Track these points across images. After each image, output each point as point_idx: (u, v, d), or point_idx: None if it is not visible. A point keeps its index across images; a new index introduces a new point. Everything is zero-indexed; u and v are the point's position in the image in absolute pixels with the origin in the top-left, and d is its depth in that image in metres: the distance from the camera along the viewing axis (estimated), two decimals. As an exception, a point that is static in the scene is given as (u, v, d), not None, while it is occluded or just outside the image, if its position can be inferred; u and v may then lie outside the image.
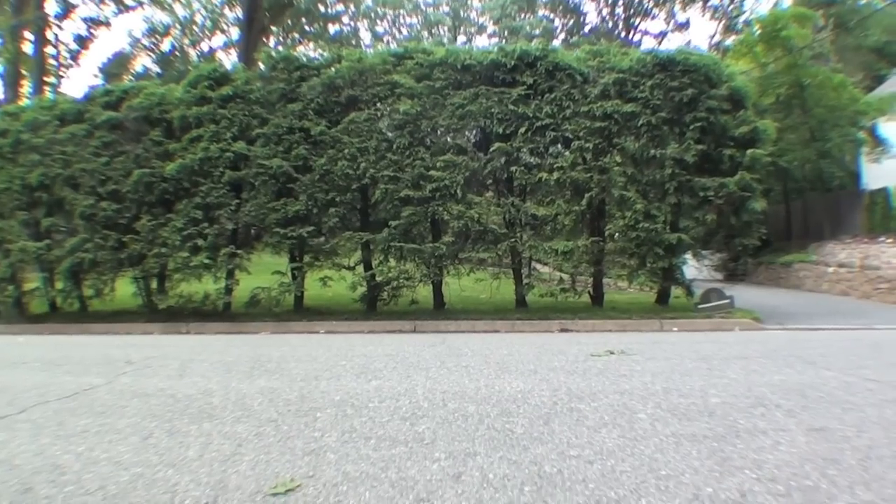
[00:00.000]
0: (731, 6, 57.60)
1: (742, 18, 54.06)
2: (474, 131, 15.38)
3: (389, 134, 14.85)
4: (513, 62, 14.46)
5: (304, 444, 3.18)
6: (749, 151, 14.26)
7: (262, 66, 16.96)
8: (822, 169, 30.69)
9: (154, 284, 15.83)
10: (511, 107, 14.28)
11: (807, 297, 23.20)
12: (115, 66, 52.10)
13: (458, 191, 14.13)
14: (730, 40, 48.02)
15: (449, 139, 15.15)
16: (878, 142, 30.07)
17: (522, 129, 14.31)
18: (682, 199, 14.51)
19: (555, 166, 14.33)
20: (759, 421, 3.60)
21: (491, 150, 14.41)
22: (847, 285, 23.44)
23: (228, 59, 53.28)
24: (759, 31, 30.92)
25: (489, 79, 14.66)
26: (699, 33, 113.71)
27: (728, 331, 12.58)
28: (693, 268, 16.94)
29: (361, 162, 14.35)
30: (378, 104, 15.02)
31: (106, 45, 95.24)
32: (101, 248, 15.00)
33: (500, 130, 14.35)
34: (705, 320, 13.71)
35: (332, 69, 15.19)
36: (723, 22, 58.83)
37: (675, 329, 12.64)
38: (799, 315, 15.59)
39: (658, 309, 14.76)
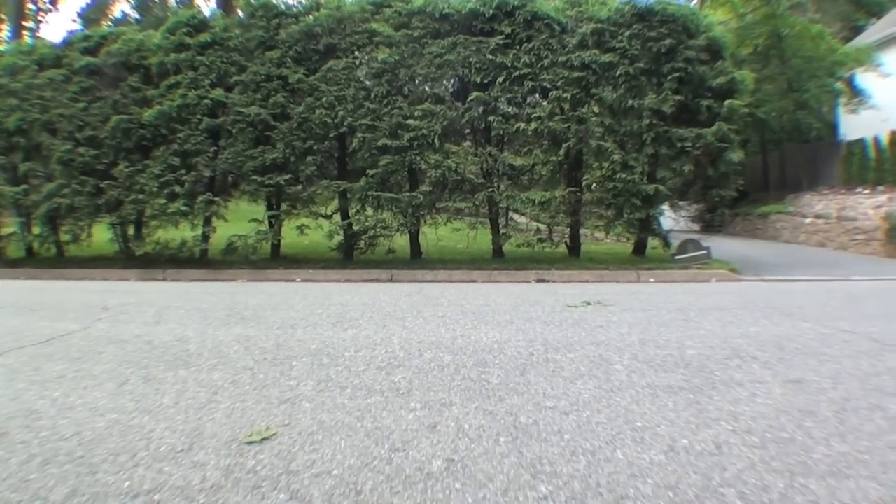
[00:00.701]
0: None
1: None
2: (452, 81, 15.33)
3: (367, 82, 14.77)
4: (491, 11, 14.35)
5: (279, 392, 3.18)
6: (727, 102, 14.24)
7: (240, 13, 16.80)
8: (799, 120, 30.68)
9: (131, 231, 15.80)
10: (489, 56, 14.22)
11: (784, 248, 23.34)
12: (94, 11, 51.30)
13: (436, 140, 14.12)
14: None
15: (427, 88, 15.10)
16: (855, 92, 30.10)
17: (500, 79, 14.27)
18: (660, 150, 14.52)
19: (532, 116, 14.31)
20: (736, 373, 3.63)
21: (469, 99, 14.39)
22: (824, 236, 23.59)
23: (207, 6, 52.57)
24: (736, -21, 30.79)
25: (467, 28, 14.55)
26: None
27: (705, 282, 12.65)
28: (670, 219, 16.96)
29: (339, 110, 14.28)
30: (356, 52, 14.92)
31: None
32: (78, 193, 14.91)
33: (478, 80, 14.32)
34: (682, 271, 13.78)
35: (311, 17, 15.11)
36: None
37: (652, 280, 12.69)
38: (776, 266, 15.69)
39: (635, 260, 14.85)
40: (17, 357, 4.38)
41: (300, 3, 16.27)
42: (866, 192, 22.63)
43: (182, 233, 15.13)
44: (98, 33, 17.05)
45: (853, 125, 29.64)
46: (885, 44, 30.51)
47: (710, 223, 22.34)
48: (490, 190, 14.35)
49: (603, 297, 8.12)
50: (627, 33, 14.37)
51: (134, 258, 15.12)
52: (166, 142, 14.81)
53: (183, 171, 14.53)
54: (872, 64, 28.70)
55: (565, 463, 2.15)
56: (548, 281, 12.46)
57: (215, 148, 14.67)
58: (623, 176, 13.99)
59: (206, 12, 20.52)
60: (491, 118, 14.38)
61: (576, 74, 14.19)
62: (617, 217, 14.55)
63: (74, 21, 51.54)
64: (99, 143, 15.11)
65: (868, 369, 3.77)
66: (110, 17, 52.41)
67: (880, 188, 22.52)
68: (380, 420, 2.67)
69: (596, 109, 14.68)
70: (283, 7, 15.83)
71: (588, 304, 7.28)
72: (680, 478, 2.02)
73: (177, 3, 54.80)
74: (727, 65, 15.05)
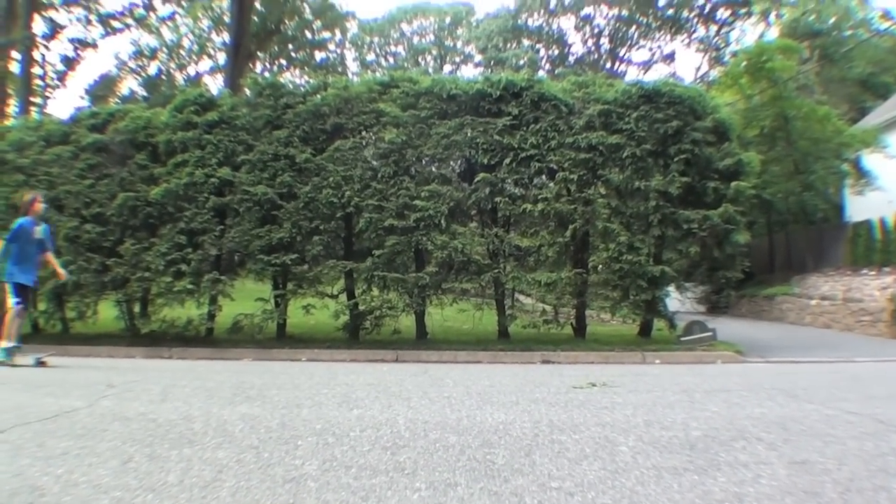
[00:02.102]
0: (717, 38, 57.96)
1: (728, 50, 54.35)
2: (459, 161, 15.45)
3: (374, 162, 14.90)
4: (498, 92, 14.54)
5: (284, 471, 3.17)
6: (733, 184, 14.33)
7: (248, 92, 17.09)
8: (805, 201, 30.77)
9: (137, 308, 15.73)
10: (496, 137, 14.34)
11: (789, 329, 23.26)
12: (102, 88, 51.89)
13: (443, 221, 14.14)
14: (715, 72, 48.27)
15: (434, 169, 15.23)
16: (861, 174, 30.20)
17: (507, 160, 14.38)
18: (666, 232, 14.53)
19: (539, 197, 14.38)
20: (741, 454, 3.61)
21: (476, 180, 14.47)
22: (829, 318, 23.53)
23: (215, 85, 53.18)
24: (744, 63, 31.07)
25: (474, 109, 14.72)
26: (685, 65, 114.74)
27: (710, 363, 12.60)
28: (676, 300, 16.93)
29: (346, 190, 14.35)
30: (363, 132, 15.13)
31: (93, 67, 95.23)
32: (84, 270, 14.88)
33: (485, 161, 14.41)
34: (687, 353, 13.72)
35: (318, 96, 15.29)
36: (709, 54, 59.18)
37: (658, 361, 12.64)
38: (781, 348, 15.64)
39: (640, 341, 14.77)
40: (22, 433, 4.38)
41: (308, 82, 16.50)
42: (872, 273, 22.62)
43: (188, 311, 15.10)
44: (105, 110, 17.41)
45: (859, 207, 29.73)
46: (890, 125, 30.76)
47: (716, 305, 22.35)
48: (496, 271, 14.34)
49: (608, 378, 8.09)
50: (634, 115, 14.52)
51: (139, 336, 15.08)
52: (173, 220, 14.84)
53: (189, 250, 14.53)
54: (878, 145, 28.86)
55: (571, 544, 2.14)
56: (553, 362, 12.42)
57: (222, 227, 14.72)
58: (629, 257, 14.00)
59: (214, 91, 20.80)
60: (497, 199, 14.45)
61: (582, 156, 14.31)
62: (623, 298, 14.53)
63: (82, 97, 51.96)
64: (105, 220, 15.16)
65: (873, 450, 3.74)
66: (118, 94, 53.02)
67: (886, 270, 22.51)
68: (385, 500, 2.66)
69: (602, 191, 14.77)
70: (290, 87, 16.18)
71: (593, 385, 7.26)
72: (686, 561, 2.00)
73: (184, 81, 55.52)
74: (734, 146, 15.18)
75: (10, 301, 11.07)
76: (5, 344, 10.66)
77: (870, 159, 30.00)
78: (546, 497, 2.70)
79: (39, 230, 11.43)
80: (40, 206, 11.65)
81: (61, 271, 11.92)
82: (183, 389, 6.75)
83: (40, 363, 10.52)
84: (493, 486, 2.88)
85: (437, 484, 2.92)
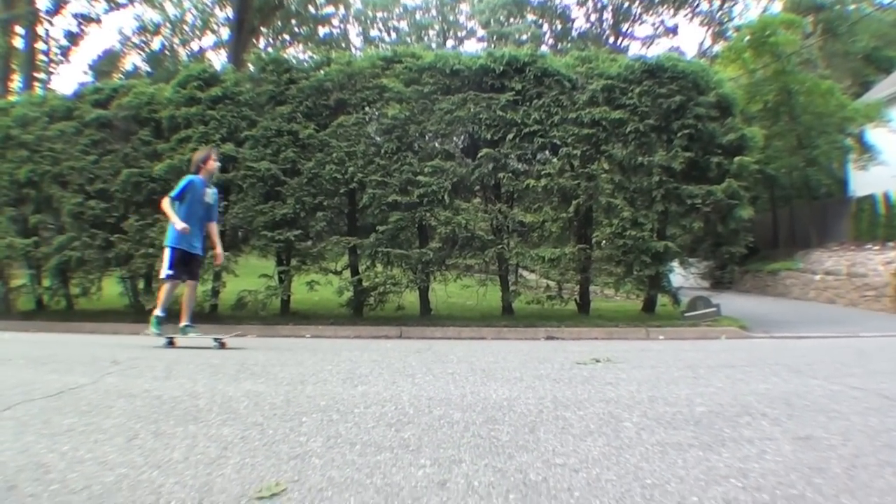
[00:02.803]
0: (720, 13, 57.67)
1: (731, 25, 54.10)
2: (462, 137, 15.41)
3: (378, 138, 14.90)
4: (501, 67, 14.50)
5: (289, 448, 3.17)
6: (737, 159, 14.31)
7: (251, 67, 17.04)
8: (809, 176, 30.71)
9: (141, 285, 15.78)
10: (499, 112, 14.33)
11: (793, 304, 23.27)
12: (106, 63, 51.95)
13: (446, 196, 14.19)
14: (718, 47, 48.05)
15: (437, 144, 15.23)
16: (865, 149, 30.14)
17: (510, 136, 14.37)
18: (670, 207, 14.54)
19: (542, 173, 14.37)
20: (745, 430, 3.60)
21: (479, 155, 14.48)
22: (834, 293, 23.53)
23: (218, 60, 53.18)
24: (747, 38, 30.93)
25: (478, 84, 14.71)
26: (688, 39, 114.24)
27: (714, 339, 12.59)
28: (680, 276, 16.96)
29: (349, 166, 14.36)
30: (367, 108, 15.07)
31: (96, 42, 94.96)
32: (88, 246, 14.96)
33: (489, 136, 14.41)
34: (692, 328, 13.74)
35: (322, 72, 15.28)
36: (712, 28, 58.92)
37: (662, 337, 12.64)
38: (785, 323, 15.64)
39: (644, 317, 14.79)
40: (27, 410, 4.38)
41: (311, 58, 16.44)
42: (876, 248, 22.60)
43: (193, 287, 15.13)
44: (109, 86, 17.28)
45: (863, 181, 29.68)
46: (894, 99, 30.65)
47: (720, 280, 22.33)
48: (500, 247, 14.41)
49: (612, 354, 8.08)
50: (637, 90, 14.48)
51: (144, 312, 15.08)
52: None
53: (193, 226, 14.54)
54: (882, 120, 28.78)
55: (575, 520, 2.14)
56: (557, 338, 12.43)
57: (225, 203, 14.68)
58: (633, 233, 14.02)
59: (218, 66, 20.75)
60: (501, 175, 14.48)
61: (586, 131, 14.28)
62: (626, 274, 14.56)
63: (86, 73, 52.11)
64: (109, 196, 15.23)
65: (878, 426, 3.73)
66: (121, 69, 53.15)
67: (890, 244, 22.49)
68: (389, 477, 2.66)
69: (606, 166, 14.77)
70: (293, 62, 16.14)
71: (598, 361, 7.26)
72: (690, 536, 2.00)
73: (188, 56, 55.46)
74: (737, 121, 15.17)
75: (163, 268, 10.05)
76: (158, 312, 9.98)
77: (873, 134, 29.94)
78: (550, 473, 2.70)
79: (210, 193, 10.43)
80: (214, 165, 10.51)
81: (220, 252, 10.73)
82: (187, 366, 6.76)
83: (220, 343, 9.68)
84: (497, 463, 2.88)
85: (442, 460, 2.93)
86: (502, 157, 14.52)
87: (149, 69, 52.47)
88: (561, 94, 14.56)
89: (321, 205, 14.63)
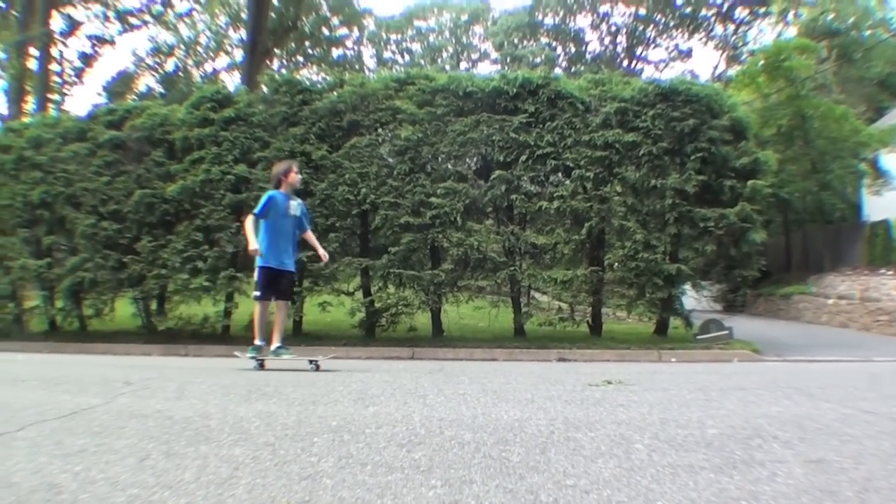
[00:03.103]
0: (735, 37, 57.75)
1: (745, 49, 54.19)
2: (475, 158, 15.48)
3: (390, 160, 14.98)
4: (515, 90, 14.55)
5: (300, 468, 3.18)
6: (750, 182, 14.31)
7: (264, 88, 17.14)
8: (822, 200, 30.67)
9: (154, 306, 15.84)
10: (512, 134, 14.38)
11: (806, 328, 23.17)
12: (119, 84, 52.26)
13: (458, 218, 14.21)
14: (732, 71, 48.11)
15: (450, 166, 15.27)
16: (879, 174, 30.12)
17: (523, 157, 14.40)
18: (682, 230, 14.54)
19: (555, 195, 14.39)
20: (757, 452, 3.59)
21: (491, 177, 14.51)
22: (846, 317, 23.44)
23: (232, 81, 53.41)
24: (762, 62, 31.00)
25: (491, 106, 14.76)
26: (702, 63, 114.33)
27: (726, 362, 12.54)
28: (692, 298, 16.94)
29: (362, 187, 14.40)
30: (379, 129, 15.13)
31: (110, 63, 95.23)
32: (101, 267, 14.99)
33: (501, 158, 14.45)
34: (704, 351, 13.70)
35: (335, 93, 15.35)
36: (726, 52, 58.98)
37: (674, 360, 12.61)
38: (797, 347, 15.59)
39: (656, 339, 14.77)
40: (40, 430, 4.40)
41: (324, 79, 16.56)
42: (890, 273, 22.52)
43: (204, 308, 15.19)
44: (122, 107, 17.44)
45: (877, 206, 29.62)
46: (909, 125, 30.62)
47: (733, 303, 22.31)
48: (512, 268, 14.40)
49: (624, 376, 8.07)
50: (651, 113, 14.51)
51: (156, 333, 15.16)
52: (189, 217, 14.95)
53: (206, 247, 14.64)
54: (896, 145, 28.76)
55: (585, 542, 2.14)
56: (569, 360, 12.40)
57: (238, 224, 14.73)
58: (645, 255, 14.02)
59: (231, 88, 20.88)
60: (513, 196, 14.52)
61: (599, 153, 14.31)
62: (639, 296, 14.53)
63: (99, 94, 52.45)
64: (122, 217, 15.26)
65: (890, 450, 3.71)
66: (135, 90, 53.46)
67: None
68: (400, 497, 2.66)
69: (618, 189, 14.78)
70: (307, 84, 16.26)
71: (609, 383, 7.24)
72: (701, 559, 2.00)
73: (201, 78, 55.73)
74: (750, 145, 15.19)
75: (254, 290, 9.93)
76: (257, 342, 9.77)
77: (888, 159, 29.91)
78: (561, 494, 2.70)
79: (295, 206, 10.10)
80: (296, 178, 10.22)
81: (323, 252, 10.49)
82: (199, 387, 6.79)
83: (316, 366, 9.48)
84: (508, 484, 2.88)
85: (453, 481, 2.93)
86: (515, 179, 14.57)
87: (162, 90, 52.70)
88: (574, 116, 14.59)
89: (333, 226, 14.60)
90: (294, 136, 14.93)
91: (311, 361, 9.55)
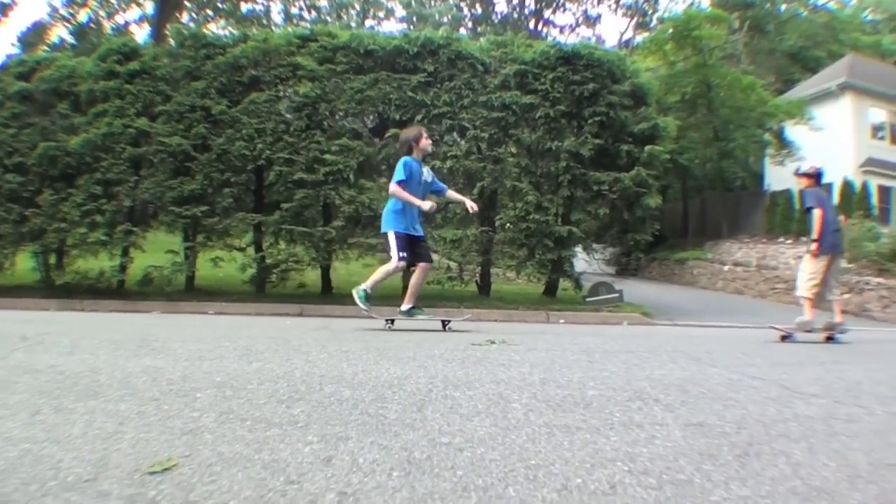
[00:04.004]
0: (645, 3, 57.96)
1: (655, 16, 54.49)
2: (372, 117, 15.77)
3: (288, 116, 15.04)
4: (416, 49, 14.84)
5: (182, 423, 3.17)
6: (647, 148, 14.69)
7: (172, 42, 16.86)
8: (723, 168, 31.43)
9: (53, 260, 15.60)
10: (410, 94, 14.67)
11: (700, 294, 23.76)
12: (33, 35, 50.61)
13: (352, 175, 14.47)
14: (641, 38, 48.45)
15: (346, 123, 15.41)
16: (783, 144, 30.89)
17: (419, 117, 14.68)
18: (576, 193, 14.88)
19: (449, 154, 14.78)
20: (636, 414, 3.65)
21: (386, 135, 14.75)
22: (742, 284, 24.11)
23: (143, 34, 52.18)
24: (670, 30, 31.40)
25: (391, 65, 15.01)
26: (610, 29, 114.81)
27: (616, 325, 12.84)
28: (583, 261, 17.26)
29: (258, 143, 14.55)
30: (279, 86, 15.24)
31: (26, 13, 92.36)
32: (3, 221, 14.80)
33: (398, 117, 14.76)
34: (593, 314, 14.05)
35: (238, 48, 15.21)
36: (635, 19, 59.21)
37: (562, 321, 12.82)
38: (689, 312, 15.98)
39: (545, 301, 15.11)
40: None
41: (230, 33, 16.41)
42: (788, 242, 23.16)
43: (102, 263, 14.98)
44: (33, 58, 17.33)
45: (779, 176, 30.42)
46: (818, 98, 31.48)
47: (626, 267, 22.69)
48: (402, 227, 14.47)
49: (509, 336, 8.17)
50: (551, 76, 14.78)
51: (54, 287, 14.92)
52: (90, 170, 14.81)
53: (104, 201, 14.57)
54: (804, 117, 29.42)
55: (456, 499, 2.17)
56: (455, 319, 12.51)
57: (136, 178, 14.71)
58: (537, 217, 14.32)
59: (141, 41, 20.58)
60: (407, 155, 14.51)
61: (495, 114, 14.65)
62: (529, 257, 14.88)
63: (13, 45, 50.69)
64: (26, 169, 15.10)
65: (775, 415, 3.77)
66: (48, 41, 51.71)
67: (803, 239, 23.02)
68: (277, 452, 2.68)
69: (513, 150, 15.13)
70: (212, 38, 16.10)
71: (493, 343, 7.32)
72: (571, 516, 2.05)
73: (113, 30, 54.24)
74: (650, 111, 15.58)
75: (393, 253, 9.55)
76: (365, 288, 9.70)
77: (793, 130, 30.66)
78: (435, 452, 2.74)
79: (426, 171, 9.94)
80: (426, 143, 9.88)
81: (471, 204, 10.04)
82: (91, 342, 6.69)
83: (446, 325, 9.73)
84: (383, 441, 2.91)
85: (329, 437, 2.95)
86: (410, 138, 14.58)
87: (74, 42, 51.27)
88: (473, 77, 14.92)
89: (229, 181, 14.76)
90: (195, 90, 14.92)
91: (443, 321, 9.80)
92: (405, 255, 9.44)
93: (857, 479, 2.56)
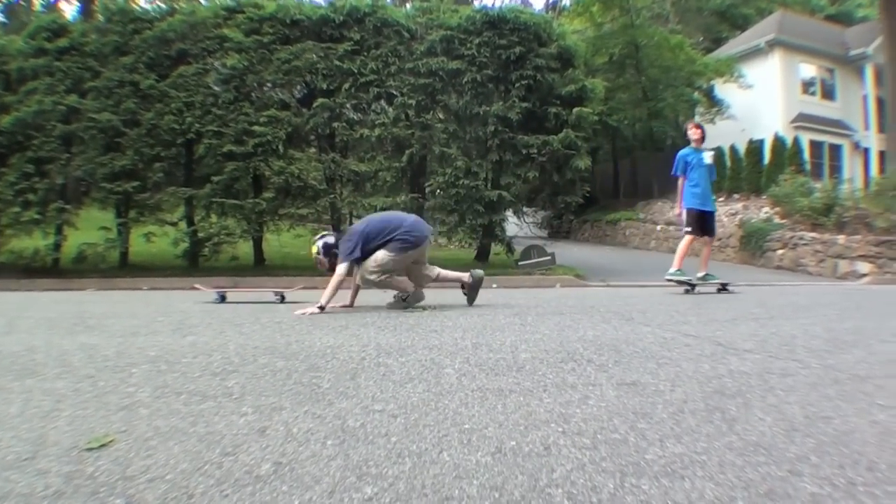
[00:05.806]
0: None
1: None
2: (299, 87, 15.58)
3: (216, 88, 14.84)
4: (342, 18, 14.74)
5: (118, 399, 3.15)
6: (575, 109, 14.80)
7: (100, 17, 16.63)
8: (653, 128, 31.58)
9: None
10: (336, 62, 14.57)
11: (633, 254, 23.97)
12: (-35, 14, 49.33)
13: (281, 146, 14.38)
14: (567, 1, 48.50)
15: (274, 94, 15.29)
16: (713, 103, 31.18)
17: (346, 85, 14.66)
18: (505, 157, 14.96)
19: (377, 122, 14.81)
20: (569, 376, 3.67)
21: (314, 105, 14.64)
22: (675, 243, 24.20)
23: (72, 10, 51.05)
24: (597, -8, 31.39)
25: (317, 34, 14.91)
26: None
27: (549, 287, 12.95)
28: (514, 225, 17.33)
29: (187, 116, 14.34)
30: (207, 58, 15.04)
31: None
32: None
33: (325, 86, 14.64)
34: (526, 277, 14.14)
35: (165, 22, 15.00)
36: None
37: (495, 286, 12.82)
38: (622, 272, 16.10)
39: (477, 265, 15.06)
40: None
41: (159, 6, 16.21)
42: (721, 199, 23.39)
43: (36, 241, 14.78)
44: (-37, 38, 16.72)
45: (710, 135, 30.38)
46: (747, 56, 31.73)
47: (558, 230, 22.88)
48: (332, 196, 14.81)
49: (440, 301, 8.22)
50: (477, 41, 14.82)
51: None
52: (22, 149, 14.50)
53: (37, 179, 14.29)
54: (734, 75, 29.69)
55: (391, 465, 2.19)
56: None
57: (68, 155, 14.46)
58: (466, 182, 14.38)
59: (70, 17, 20.29)
60: (336, 124, 14.76)
61: (422, 81, 14.66)
62: (460, 223, 14.99)
63: (-54, 24, 49.18)
64: (-39, 151, 14.59)
65: (709, 372, 3.82)
66: (-20, 20, 50.35)
67: (736, 196, 23.45)
68: (212, 425, 2.67)
69: (441, 116, 15.15)
70: (139, 12, 15.87)
71: (424, 309, 7.39)
72: (506, 479, 2.06)
73: (42, 7, 53.01)
74: (578, 73, 15.67)
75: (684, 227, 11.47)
76: (676, 268, 11.05)
77: (723, 89, 30.95)
78: (369, 419, 2.75)
79: (708, 156, 11.57)
80: (690, 132, 11.64)
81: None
82: (27, 321, 6.61)
83: (721, 288, 11.19)
84: (317, 410, 2.91)
85: (264, 408, 2.95)
86: (337, 107, 14.75)
87: (4, 20, 50.04)
88: (399, 44, 14.93)
89: (159, 156, 14.57)
90: (124, 65, 14.66)
91: (722, 286, 11.25)
92: (691, 228, 11.41)
93: (793, 433, 2.62)
